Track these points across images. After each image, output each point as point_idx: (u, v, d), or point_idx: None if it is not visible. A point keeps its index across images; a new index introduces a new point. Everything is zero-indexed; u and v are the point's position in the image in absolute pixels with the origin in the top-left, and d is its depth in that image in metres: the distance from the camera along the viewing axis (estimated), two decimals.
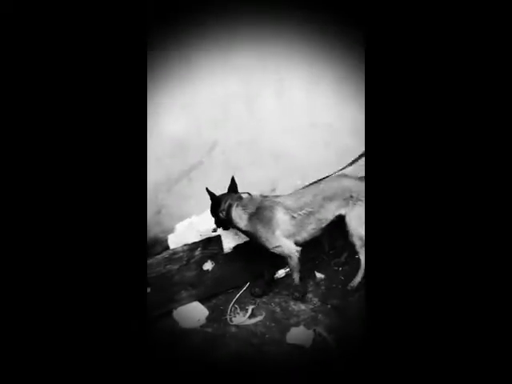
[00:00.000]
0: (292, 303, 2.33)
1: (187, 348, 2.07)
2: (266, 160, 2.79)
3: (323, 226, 2.24)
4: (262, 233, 2.14)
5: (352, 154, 2.99)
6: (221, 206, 2.21)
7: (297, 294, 2.33)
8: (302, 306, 2.30)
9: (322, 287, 2.45)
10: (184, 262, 2.31)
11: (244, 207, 2.18)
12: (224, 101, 2.49)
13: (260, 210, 2.15)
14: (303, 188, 2.40)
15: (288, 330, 2.10)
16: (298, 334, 2.07)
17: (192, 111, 2.44)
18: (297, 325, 2.14)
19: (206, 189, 2.17)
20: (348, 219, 2.21)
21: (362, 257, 2.25)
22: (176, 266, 2.29)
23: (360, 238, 2.20)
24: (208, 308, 2.34)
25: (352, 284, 2.32)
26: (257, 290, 2.40)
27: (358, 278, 2.30)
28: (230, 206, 2.19)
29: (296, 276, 2.28)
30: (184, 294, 2.33)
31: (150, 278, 2.21)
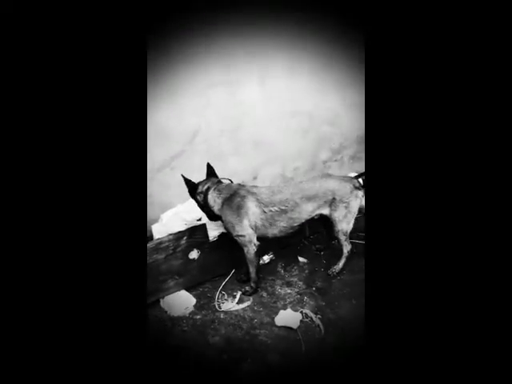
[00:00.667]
0: (278, 287, 2.40)
1: (177, 335, 2.09)
2: (247, 148, 2.81)
3: (295, 225, 2.24)
4: (230, 219, 2.18)
5: (329, 142, 3.10)
6: (198, 189, 2.23)
7: (247, 289, 2.36)
8: (288, 290, 2.38)
9: (306, 271, 2.53)
10: (170, 252, 2.30)
11: (219, 192, 2.21)
12: (206, 89, 2.47)
13: (233, 197, 2.17)
14: (284, 184, 2.44)
15: (276, 313, 2.17)
16: (285, 316, 2.14)
17: (174, 100, 2.40)
18: (284, 308, 2.21)
19: (182, 175, 2.20)
20: (332, 219, 2.28)
21: (345, 248, 2.38)
22: (162, 256, 2.28)
23: (344, 234, 2.31)
24: (195, 296, 2.36)
25: (333, 270, 2.42)
26: (242, 276, 2.44)
27: (340, 265, 2.42)
28: (208, 189, 2.22)
29: (252, 270, 2.30)
30: (171, 282, 2.33)
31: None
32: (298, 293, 2.34)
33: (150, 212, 2.59)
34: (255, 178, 2.92)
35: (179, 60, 2.29)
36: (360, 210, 2.34)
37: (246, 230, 2.17)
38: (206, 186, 2.24)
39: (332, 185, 2.24)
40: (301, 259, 2.63)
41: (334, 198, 2.22)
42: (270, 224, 2.18)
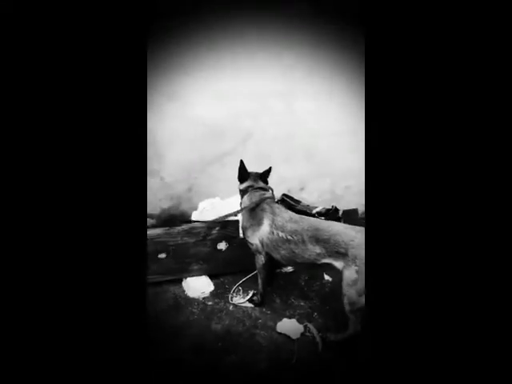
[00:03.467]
0: (292, 298, 2.41)
1: (186, 314, 2.25)
2: (298, 158, 2.88)
3: (297, 260, 2.07)
4: (245, 223, 2.24)
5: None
6: (246, 182, 2.33)
7: (254, 299, 2.36)
8: (302, 302, 2.37)
9: (327, 289, 2.49)
10: (200, 238, 2.49)
11: (251, 197, 2.27)
12: (264, 95, 2.62)
13: (257, 206, 2.22)
14: (306, 217, 2.23)
15: (281, 319, 2.19)
16: (288, 324, 2.15)
17: (232, 101, 2.60)
18: (290, 317, 2.22)
19: (241, 160, 2.28)
20: (342, 277, 1.92)
21: (351, 325, 1.95)
22: (192, 240, 2.48)
23: (350, 303, 1.89)
24: (215, 284, 2.51)
25: (330, 337, 2.05)
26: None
27: (337, 337, 2.03)
28: (246, 191, 2.30)
29: (259, 281, 2.31)
30: (195, 266, 2.51)
31: (167, 245, 2.44)
32: (310, 307, 2.32)
33: (196, 200, 2.84)
34: (302, 189, 2.96)
35: (242, 64, 2.48)
36: None
37: (255, 241, 2.21)
38: (245, 188, 2.32)
39: (348, 236, 1.91)
40: (326, 277, 2.59)
41: (345, 254, 1.89)
42: (274, 247, 2.14)
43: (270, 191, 2.36)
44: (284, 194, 2.82)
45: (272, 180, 2.54)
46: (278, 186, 2.45)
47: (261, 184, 2.35)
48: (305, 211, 2.67)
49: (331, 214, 2.66)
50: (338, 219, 2.61)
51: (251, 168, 2.37)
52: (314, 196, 3.07)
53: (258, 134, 2.77)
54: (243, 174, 2.33)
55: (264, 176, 2.38)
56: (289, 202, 2.76)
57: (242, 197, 2.34)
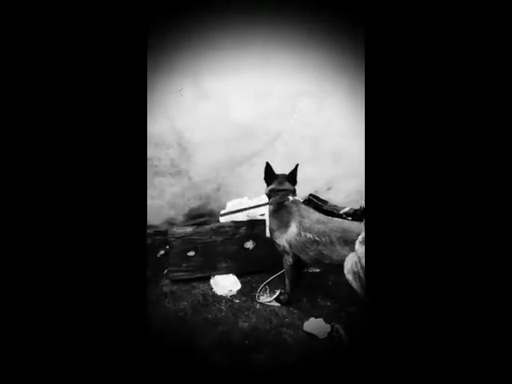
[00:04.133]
0: (319, 298, 2.40)
1: (213, 311, 2.29)
2: (326, 158, 2.87)
3: (326, 261, 2.08)
4: (272, 226, 2.25)
5: None
6: (269, 186, 2.34)
7: (281, 298, 2.36)
8: (329, 303, 2.36)
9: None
10: (228, 237, 2.53)
11: (278, 199, 2.26)
12: (293, 96, 2.63)
13: (284, 208, 2.22)
14: (333, 218, 2.24)
15: (307, 319, 2.19)
16: (315, 324, 2.14)
17: (261, 101, 2.63)
18: (318, 316, 2.21)
19: (267, 162, 2.27)
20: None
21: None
22: (220, 238, 2.52)
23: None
24: (242, 283, 2.54)
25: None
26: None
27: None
28: (272, 192, 2.30)
29: (287, 281, 2.31)
30: (223, 264, 2.56)
31: (196, 243, 2.49)
32: (337, 308, 2.30)
33: (224, 199, 2.89)
34: (329, 189, 2.95)
35: (271, 64, 2.50)
36: None
37: (282, 242, 2.21)
38: (271, 190, 2.32)
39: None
40: None
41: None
42: (301, 248, 2.14)
43: (292, 193, 2.33)
44: (311, 194, 2.82)
45: (299, 180, 2.55)
46: (305, 185, 2.44)
47: (286, 186, 2.33)
48: (332, 211, 2.66)
49: (359, 214, 2.64)
50: None
51: (280, 169, 2.38)
52: (341, 196, 3.05)
53: (287, 134, 2.78)
54: (270, 176, 2.33)
55: (291, 176, 2.36)
56: (316, 202, 2.75)
57: (269, 198, 2.34)
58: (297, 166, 2.33)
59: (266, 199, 2.39)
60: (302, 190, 2.40)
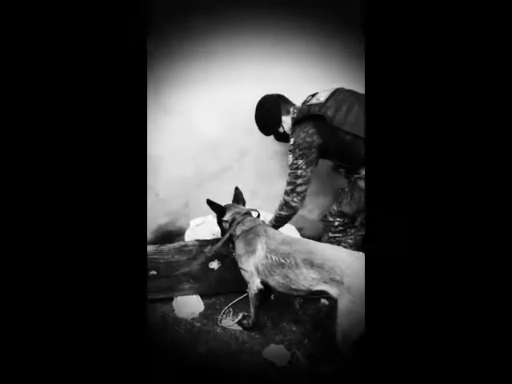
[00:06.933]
0: (285, 322, 2.30)
1: (172, 334, 2.19)
2: None
3: (293, 287, 1.91)
4: (239, 251, 2.12)
5: None
6: (224, 216, 2.23)
7: (243, 322, 2.24)
8: (294, 328, 2.26)
9: (322, 313, 2.36)
10: (192, 256, 2.43)
11: (243, 224, 2.16)
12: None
13: (250, 232, 2.11)
14: (298, 238, 2.21)
15: (268, 345, 2.09)
16: (275, 351, 2.04)
17: (228, 116, 2.57)
18: (279, 343, 2.11)
19: (207, 200, 2.17)
20: (337, 307, 1.75)
21: (343, 355, 1.78)
22: (184, 258, 2.43)
23: (344, 335, 1.73)
24: (205, 304, 2.44)
25: (324, 369, 1.95)
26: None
27: (327, 368, 1.94)
28: (234, 220, 2.19)
29: (251, 310, 2.16)
30: (186, 285, 2.45)
31: (158, 262, 2.40)
32: (302, 333, 2.20)
33: (194, 216, 2.80)
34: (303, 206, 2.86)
35: (243, 76, 2.46)
36: None
37: (249, 268, 2.07)
38: (232, 217, 2.21)
39: (342, 263, 1.76)
40: (323, 300, 2.46)
41: (341, 282, 1.72)
42: (269, 272, 1.99)
43: (257, 213, 2.28)
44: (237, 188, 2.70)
45: (270, 196, 2.46)
46: (276, 202, 2.36)
47: (244, 210, 2.24)
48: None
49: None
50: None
51: (251, 185, 2.30)
52: (316, 213, 2.98)
53: (255, 151, 2.71)
54: (219, 209, 2.22)
55: (239, 199, 2.30)
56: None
57: (230, 227, 2.20)
58: (237, 188, 2.33)
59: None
60: (276, 206, 2.35)
